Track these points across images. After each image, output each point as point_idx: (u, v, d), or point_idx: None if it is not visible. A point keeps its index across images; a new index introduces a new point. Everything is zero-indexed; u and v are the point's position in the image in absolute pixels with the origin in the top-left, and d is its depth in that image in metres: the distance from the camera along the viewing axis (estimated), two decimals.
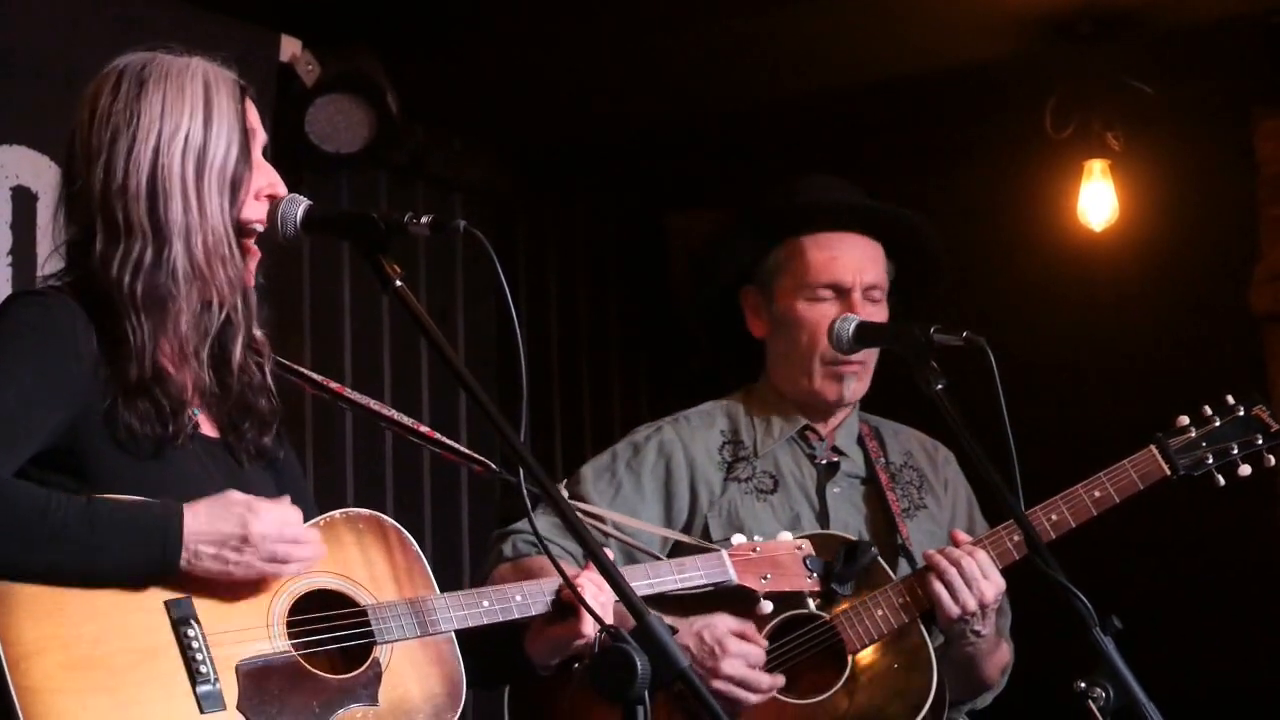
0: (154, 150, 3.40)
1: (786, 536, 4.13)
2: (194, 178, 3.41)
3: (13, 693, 3.11)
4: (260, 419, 3.58)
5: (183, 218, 3.40)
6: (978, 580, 4.35)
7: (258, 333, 3.61)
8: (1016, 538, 4.40)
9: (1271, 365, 7.22)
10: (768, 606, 4.09)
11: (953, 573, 4.35)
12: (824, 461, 4.66)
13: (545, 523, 4.42)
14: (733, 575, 3.99)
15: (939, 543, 4.61)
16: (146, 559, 3.25)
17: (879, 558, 4.38)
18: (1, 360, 3.30)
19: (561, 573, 3.48)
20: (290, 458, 3.73)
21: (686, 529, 4.51)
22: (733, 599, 4.03)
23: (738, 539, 4.08)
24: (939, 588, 4.34)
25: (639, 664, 3.11)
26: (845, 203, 4.68)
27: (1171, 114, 7.38)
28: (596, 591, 3.60)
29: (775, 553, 4.08)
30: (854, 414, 4.72)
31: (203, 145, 3.42)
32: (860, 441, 4.71)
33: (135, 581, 3.25)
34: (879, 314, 4.60)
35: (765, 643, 4.27)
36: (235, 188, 3.46)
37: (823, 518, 4.58)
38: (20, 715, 3.10)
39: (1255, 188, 7.32)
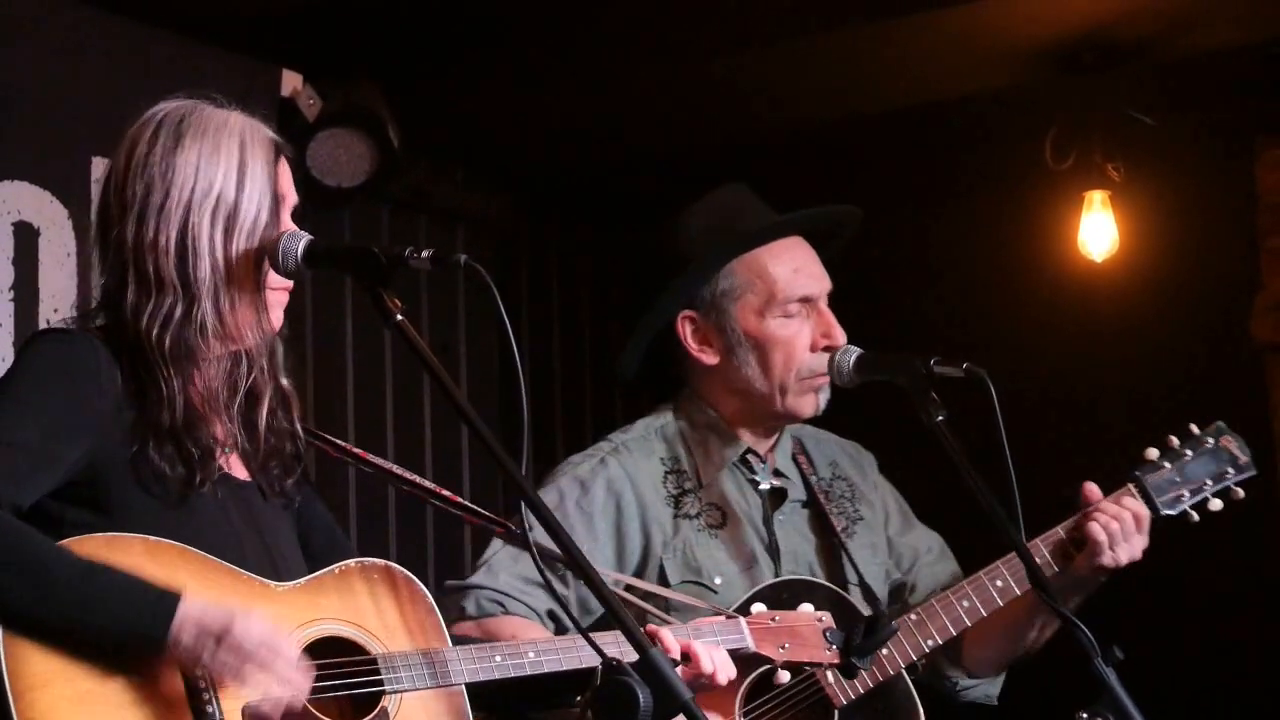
0: (185, 208, 3.45)
1: (808, 608, 4.08)
2: (223, 239, 3.46)
3: None
4: (285, 463, 3.62)
5: (210, 277, 3.45)
6: (1133, 537, 4.36)
7: (285, 382, 3.66)
8: (1000, 583, 4.39)
9: (1273, 394, 7.22)
10: (785, 676, 4.06)
11: (1115, 526, 4.35)
12: (767, 488, 4.59)
13: (511, 574, 4.40)
14: (750, 643, 3.96)
15: (879, 555, 4.60)
16: (133, 631, 3.21)
17: (897, 631, 4.32)
18: (24, 394, 3.33)
19: (599, 649, 3.34)
20: (310, 499, 3.76)
21: (639, 572, 4.43)
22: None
23: (757, 608, 4.05)
24: (1100, 534, 4.34)
25: (641, 697, 3.12)
26: (809, 214, 4.63)
27: (1172, 145, 7.39)
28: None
29: (795, 623, 4.04)
30: (786, 431, 4.66)
31: (234, 207, 3.47)
32: (794, 459, 4.66)
33: (120, 652, 3.21)
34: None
35: None
36: (263, 251, 3.49)
37: (773, 551, 4.52)
38: None
39: (1256, 218, 7.33)
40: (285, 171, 3.59)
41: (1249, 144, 7.32)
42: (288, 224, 3.56)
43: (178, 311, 3.43)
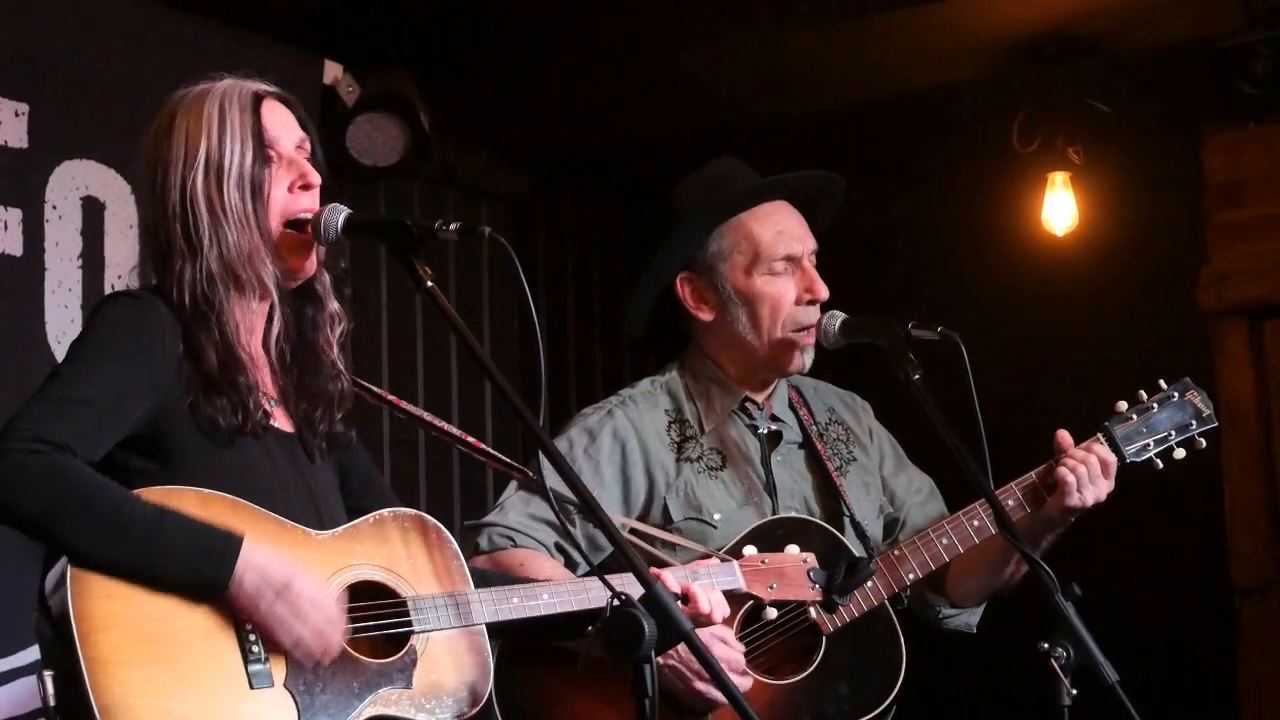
0: (180, 176, 3.44)
1: (794, 549, 4.06)
2: (216, 190, 3.43)
3: (82, 663, 3.12)
4: (330, 404, 3.59)
5: (210, 229, 3.42)
6: (1099, 479, 4.34)
7: (334, 306, 3.62)
8: (976, 523, 4.39)
9: (1217, 356, 7.21)
10: (773, 613, 4.06)
11: (1082, 471, 4.33)
12: (765, 431, 4.56)
13: (521, 513, 4.40)
14: (742, 584, 3.94)
15: (873, 493, 4.59)
16: (198, 575, 3.22)
17: (875, 571, 4.31)
18: (96, 353, 3.33)
19: (610, 585, 3.39)
20: (359, 447, 3.74)
21: (645, 511, 4.42)
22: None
23: (749, 550, 4.04)
24: (1069, 476, 4.32)
25: (647, 627, 3.13)
26: (786, 178, 4.58)
27: (1128, 130, 7.38)
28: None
29: (782, 565, 4.02)
30: (783, 380, 4.62)
31: (219, 159, 3.44)
32: (791, 406, 4.62)
33: (185, 592, 3.22)
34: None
35: (742, 647, 4.21)
36: (256, 188, 3.46)
37: (770, 488, 4.50)
38: (88, 683, 3.11)
39: (1203, 197, 7.31)
40: (275, 112, 3.54)
41: (1196, 130, 7.29)
42: (289, 157, 3.52)
43: (188, 271, 3.41)
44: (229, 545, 3.23)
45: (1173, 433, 4.46)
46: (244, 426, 3.40)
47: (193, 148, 3.44)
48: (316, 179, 3.55)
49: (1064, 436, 4.41)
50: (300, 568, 3.29)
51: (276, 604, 3.24)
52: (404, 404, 3.96)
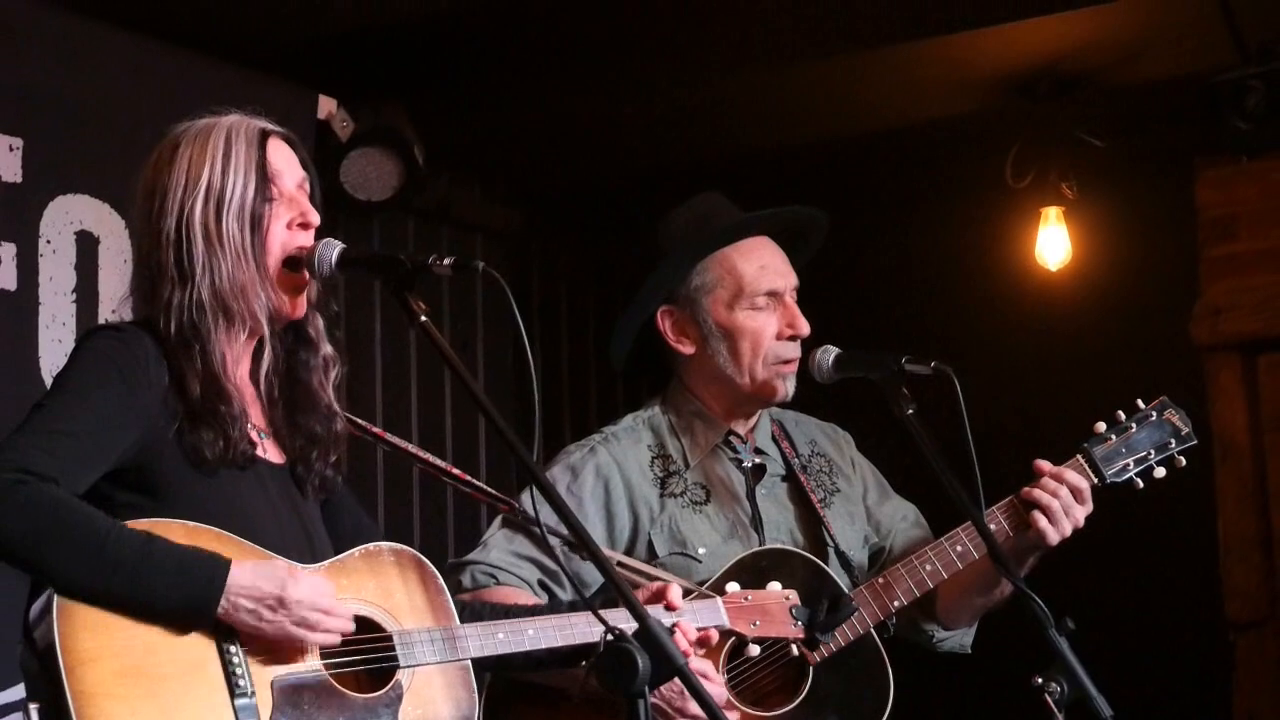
0: (179, 203, 3.44)
1: (776, 587, 4.06)
2: (214, 220, 3.43)
3: (69, 697, 3.11)
4: (326, 445, 3.59)
5: (205, 257, 3.42)
6: (1074, 508, 4.34)
7: (328, 350, 3.63)
8: (960, 548, 4.38)
9: (1211, 390, 7.21)
10: (755, 650, 4.06)
11: (1055, 505, 4.32)
12: (749, 465, 4.54)
13: (504, 550, 4.39)
14: (725, 620, 3.93)
15: (858, 524, 4.58)
16: (188, 601, 3.23)
17: (857, 609, 4.29)
18: (81, 385, 3.32)
19: (604, 620, 3.41)
20: (348, 492, 3.74)
21: (630, 547, 4.39)
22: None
23: (731, 588, 4.03)
24: (1042, 520, 4.30)
25: (641, 662, 3.12)
26: (773, 213, 4.57)
27: (1121, 165, 7.41)
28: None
29: (765, 602, 4.02)
30: (765, 413, 4.62)
31: (220, 190, 3.44)
32: (774, 439, 4.61)
33: (175, 619, 3.23)
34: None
35: (723, 679, 4.18)
36: (255, 221, 3.46)
37: (756, 522, 4.47)
38: (74, 717, 3.10)
39: (1196, 231, 7.32)
40: (279, 150, 3.55)
41: (1189, 164, 7.31)
42: (290, 194, 3.53)
43: (176, 298, 3.41)
44: (216, 570, 3.24)
45: (1152, 452, 4.44)
46: (228, 456, 3.40)
47: (194, 176, 3.44)
48: (316, 219, 3.56)
49: (1042, 465, 4.41)
50: (286, 570, 3.30)
51: (276, 618, 3.26)
52: (393, 438, 3.98)
